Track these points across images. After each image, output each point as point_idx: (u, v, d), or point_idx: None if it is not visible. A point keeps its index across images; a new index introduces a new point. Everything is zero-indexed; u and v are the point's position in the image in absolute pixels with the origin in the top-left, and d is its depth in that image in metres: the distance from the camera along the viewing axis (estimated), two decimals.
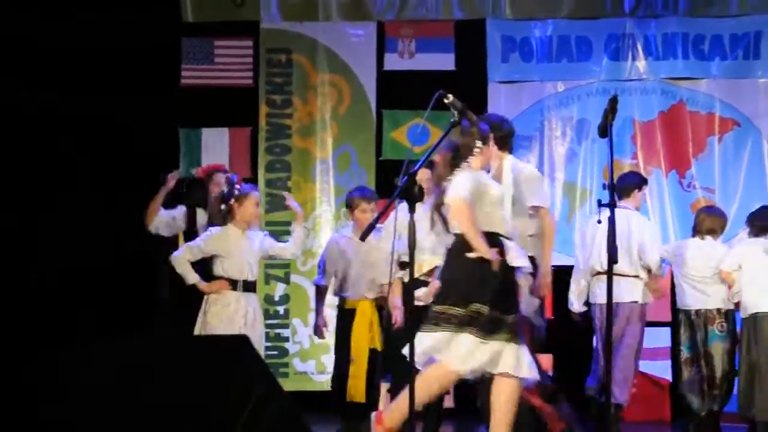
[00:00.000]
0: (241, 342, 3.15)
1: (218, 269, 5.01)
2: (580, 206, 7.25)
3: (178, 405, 2.86)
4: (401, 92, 7.25)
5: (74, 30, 7.01)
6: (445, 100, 3.70)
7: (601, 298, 5.63)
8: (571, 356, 7.02)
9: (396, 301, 4.92)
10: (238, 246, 5.02)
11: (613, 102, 3.77)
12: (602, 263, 5.63)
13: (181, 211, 5.55)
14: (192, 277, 4.96)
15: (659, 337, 6.90)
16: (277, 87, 7.46)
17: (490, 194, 3.98)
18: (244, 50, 7.45)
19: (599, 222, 4.20)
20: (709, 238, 5.79)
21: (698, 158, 7.18)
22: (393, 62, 7.47)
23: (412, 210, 3.46)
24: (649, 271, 5.68)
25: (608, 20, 7.29)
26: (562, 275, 7.13)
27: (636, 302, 5.72)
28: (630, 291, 5.69)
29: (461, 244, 3.89)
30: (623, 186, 5.74)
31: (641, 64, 7.28)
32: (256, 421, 2.81)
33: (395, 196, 3.53)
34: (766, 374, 5.52)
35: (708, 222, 5.83)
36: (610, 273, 3.72)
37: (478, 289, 3.85)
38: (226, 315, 4.95)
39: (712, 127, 7.18)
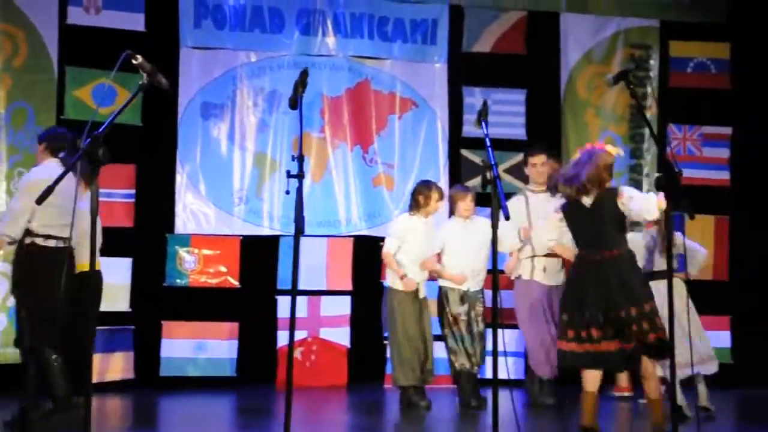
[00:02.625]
0: None
1: None
2: (269, 177, 7.35)
3: None
4: (87, 49, 6.85)
5: None
6: (134, 61, 3.52)
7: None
8: None
9: None
10: None
11: (304, 75, 3.84)
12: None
13: None
14: None
15: (340, 305, 7.25)
16: None
17: None
18: None
19: (287, 193, 4.29)
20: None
21: (380, 135, 7.59)
22: (77, 16, 7.02)
23: (95, 174, 3.29)
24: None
25: None
26: (252, 246, 7.23)
27: None
28: None
29: None
30: None
31: (330, 40, 7.52)
32: None
33: (77, 158, 3.35)
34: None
35: None
36: None
37: None
38: None
39: (393, 106, 7.62)
